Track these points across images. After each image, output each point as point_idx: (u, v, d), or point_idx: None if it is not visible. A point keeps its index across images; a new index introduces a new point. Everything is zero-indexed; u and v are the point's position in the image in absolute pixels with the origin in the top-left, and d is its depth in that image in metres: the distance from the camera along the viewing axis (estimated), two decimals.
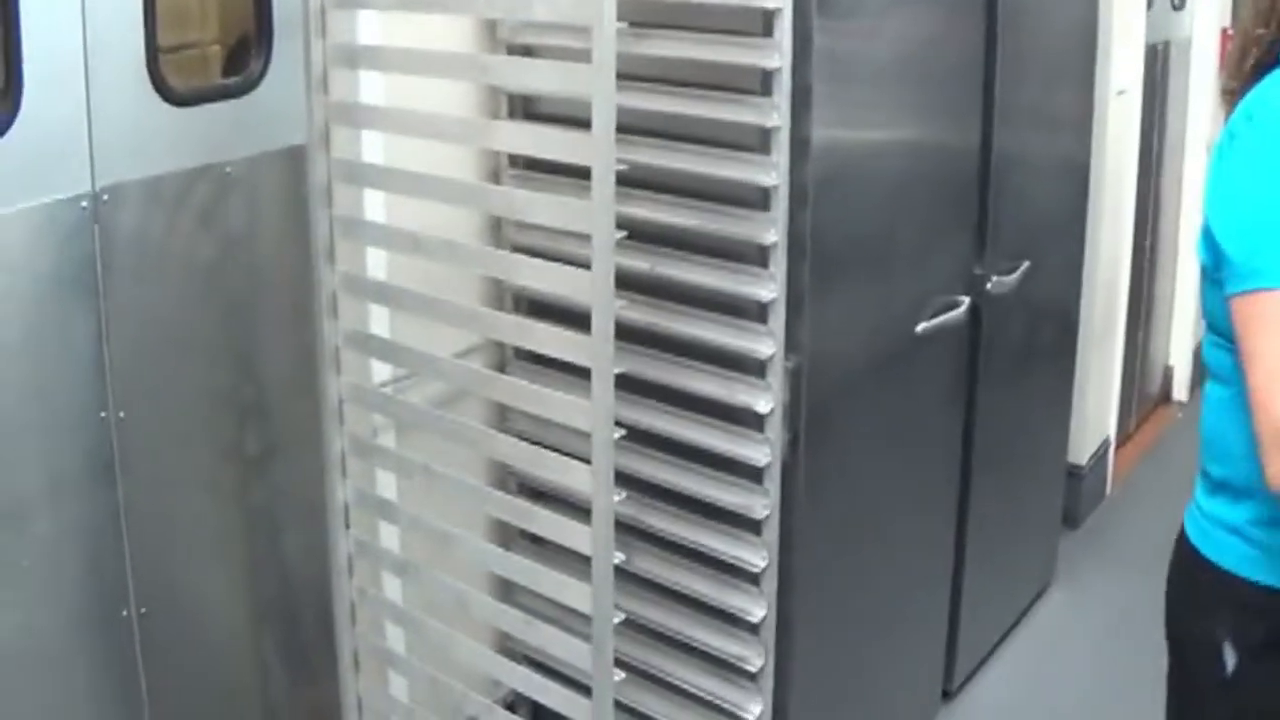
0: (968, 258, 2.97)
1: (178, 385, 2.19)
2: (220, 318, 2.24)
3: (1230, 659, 1.66)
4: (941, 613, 3.17)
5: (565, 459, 2.03)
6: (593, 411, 1.91)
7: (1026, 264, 3.14)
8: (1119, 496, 4.27)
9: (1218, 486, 1.68)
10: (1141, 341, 4.63)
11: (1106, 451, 4.25)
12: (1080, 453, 4.04)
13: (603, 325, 1.86)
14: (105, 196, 2.03)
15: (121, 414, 2.09)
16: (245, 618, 2.33)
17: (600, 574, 1.97)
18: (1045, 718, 3.26)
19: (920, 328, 2.75)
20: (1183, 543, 1.74)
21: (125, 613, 2.13)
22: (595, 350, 1.88)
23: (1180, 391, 5.00)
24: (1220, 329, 1.59)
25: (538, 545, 2.45)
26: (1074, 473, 4.00)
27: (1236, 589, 1.65)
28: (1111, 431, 4.26)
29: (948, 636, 3.21)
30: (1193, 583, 1.73)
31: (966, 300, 2.90)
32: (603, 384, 1.89)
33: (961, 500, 3.14)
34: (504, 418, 2.63)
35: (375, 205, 2.32)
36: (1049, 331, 3.55)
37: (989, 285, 3.00)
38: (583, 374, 1.92)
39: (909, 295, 2.74)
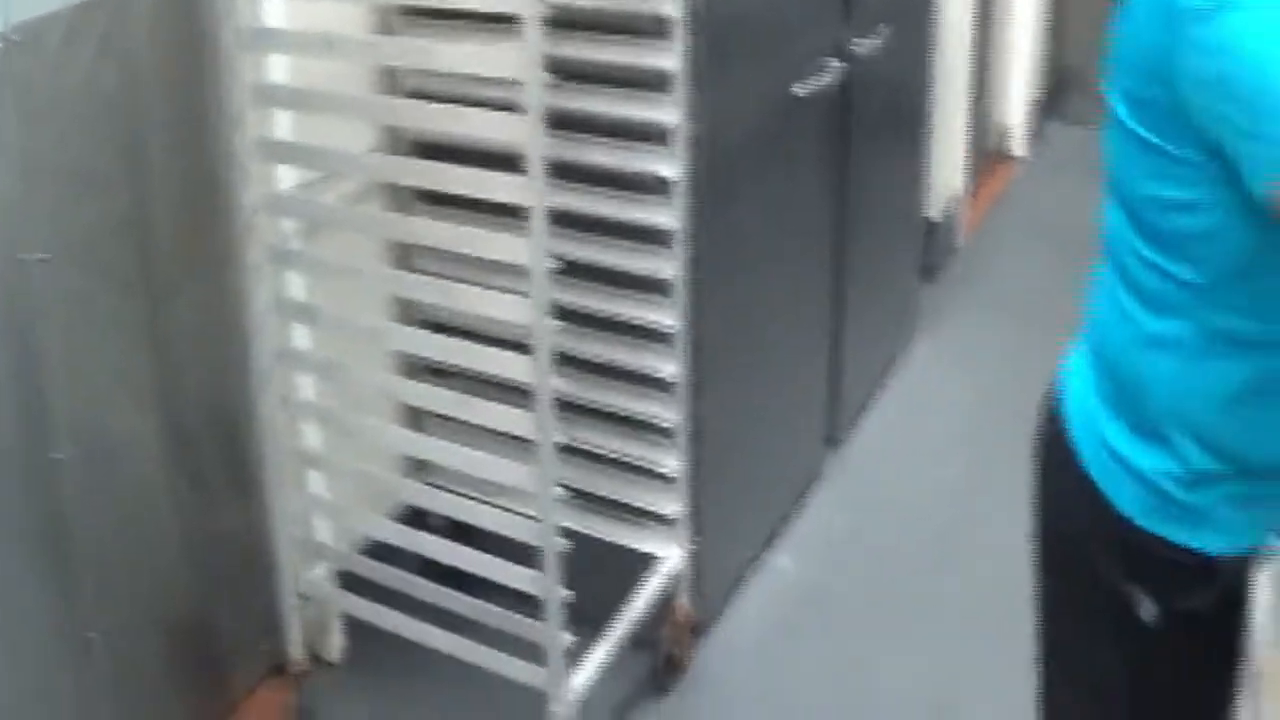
0: (836, 22, 3.07)
1: (90, 224, 2.16)
2: (118, 151, 2.20)
3: (1150, 610, 1.47)
4: (823, 366, 3.36)
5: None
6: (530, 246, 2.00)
7: (886, 27, 3.27)
8: (970, 248, 4.52)
9: (1128, 425, 1.45)
10: (983, 102, 4.83)
11: (957, 206, 4.46)
12: (934, 208, 4.25)
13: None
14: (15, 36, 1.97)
15: (40, 256, 2.06)
16: (160, 449, 2.36)
17: (542, 402, 2.09)
18: (924, 458, 3.50)
19: (798, 90, 2.86)
20: (1070, 463, 1.51)
21: (54, 455, 2.14)
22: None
23: (1019, 148, 5.27)
24: (1171, 244, 1.33)
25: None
26: (930, 227, 4.21)
27: (1150, 545, 1.45)
28: (960, 187, 4.47)
29: (829, 388, 3.41)
30: (1087, 516, 1.50)
31: (836, 62, 3.02)
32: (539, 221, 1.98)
33: (837, 259, 3.30)
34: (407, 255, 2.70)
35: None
36: (906, 91, 3.70)
37: (855, 47, 3.12)
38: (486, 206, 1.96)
39: (788, 60, 2.85)
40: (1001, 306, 4.17)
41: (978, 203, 4.72)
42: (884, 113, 3.50)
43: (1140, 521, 1.44)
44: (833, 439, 3.48)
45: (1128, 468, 1.44)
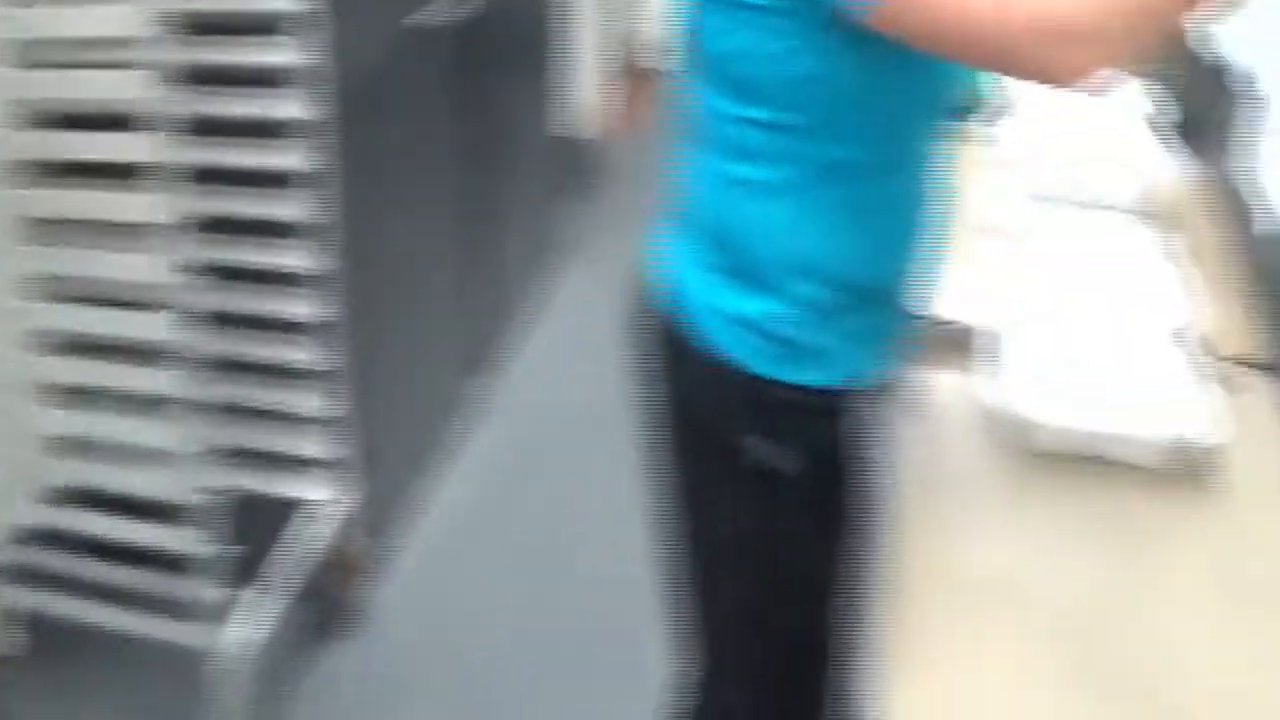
0: None
1: None
2: None
3: (789, 460, 1.53)
4: (474, 295, 3.40)
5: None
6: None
7: None
8: (616, 163, 4.62)
9: (732, 278, 1.49)
10: (620, 17, 4.90)
11: (601, 123, 4.55)
12: (577, 127, 4.32)
13: None
14: None
15: None
16: None
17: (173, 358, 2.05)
18: (581, 376, 3.58)
19: (423, 20, 2.85)
20: (680, 335, 1.55)
21: None
22: None
23: (660, 61, 5.35)
24: (772, 95, 1.39)
25: None
26: (566, 143, 4.28)
27: (766, 391, 1.50)
28: (602, 104, 4.55)
29: (483, 317, 3.46)
30: (708, 381, 1.54)
31: None
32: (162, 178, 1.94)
33: (479, 188, 3.33)
34: None
35: None
36: (539, 12, 3.73)
37: None
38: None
39: None
40: (640, 217, 4.26)
41: (622, 118, 4.82)
42: (517, 36, 3.52)
43: (769, 373, 1.49)
44: (491, 366, 3.53)
45: (747, 324, 1.48)
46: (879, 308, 1.52)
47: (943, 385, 1.68)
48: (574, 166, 4.29)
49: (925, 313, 1.63)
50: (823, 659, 1.76)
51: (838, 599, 1.69)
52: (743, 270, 1.48)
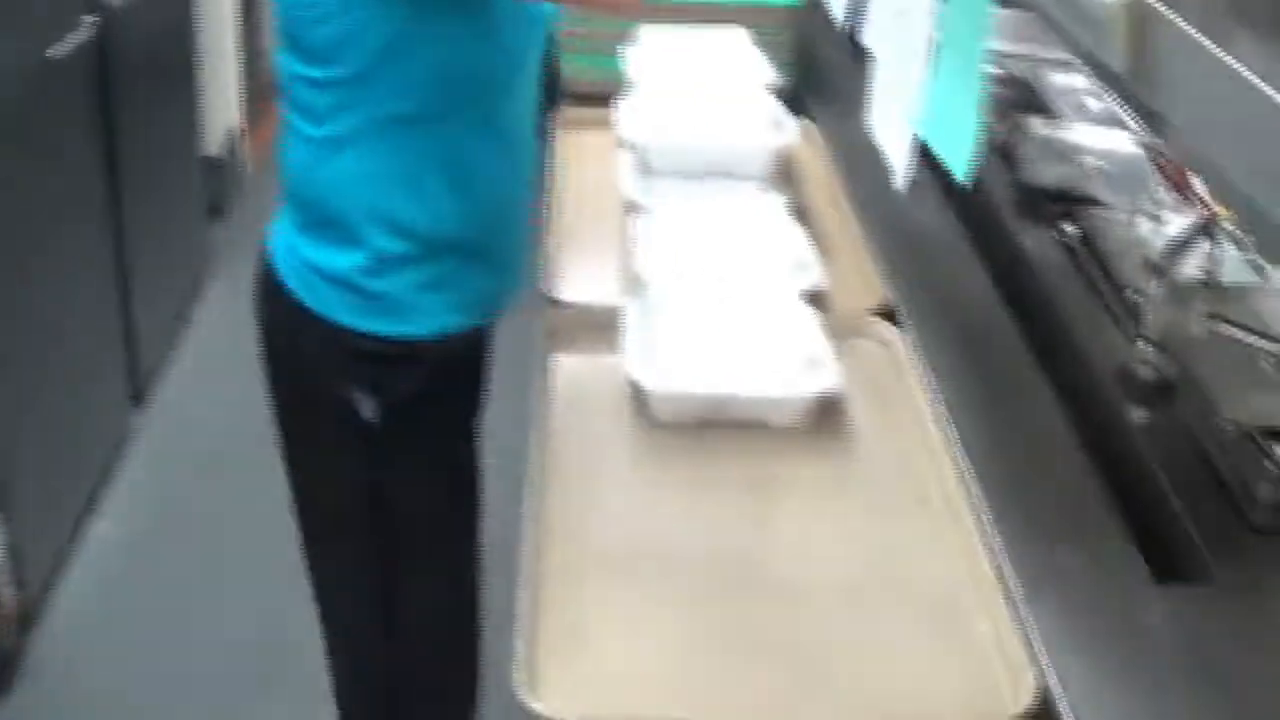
0: None
1: None
2: None
3: (368, 411, 1.59)
4: (116, 324, 3.27)
5: None
6: None
7: None
8: (256, 180, 4.52)
9: (317, 235, 1.56)
10: (255, 34, 4.82)
11: (236, 142, 4.46)
12: (214, 145, 4.22)
13: None
14: None
15: None
16: None
17: None
18: (229, 399, 3.45)
19: (50, 52, 2.76)
20: (280, 293, 1.61)
21: None
22: None
23: None
24: (323, 54, 1.46)
25: None
26: (212, 164, 4.19)
27: (354, 342, 1.57)
28: (241, 121, 4.47)
29: (126, 345, 3.33)
30: (304, 335, 1.61)
31: (91, 18, 2.94)
32: None
33: (116, 214, 3.22)
34: None
35: None
36: (172, 33, 3.65)
37: (114, 1, 3.04)
38: None
39: (32, 22, 2.72)
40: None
41: (259, 134, 4.73)
42: (150, 59, 3.43)
43: (349, 322, 1.56)
44: (137, 395, 3.41)
45: (327, 276, 1.55)
46: (458, 261, 1.57)
47: (581, 365, 1.73)
48: (216, 184, 4.19)
49: (526, 276, 1.70)
50: (458, 627, 1.83)
51: (456, 560, 1.77)
52: (321, 222, 1.54)
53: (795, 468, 1.58)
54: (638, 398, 1.64)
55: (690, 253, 1.75)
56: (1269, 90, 0.85)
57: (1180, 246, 1.59)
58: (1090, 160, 2.26)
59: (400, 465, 1.64)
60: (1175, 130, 1.02)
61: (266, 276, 1.63)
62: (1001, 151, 2.33)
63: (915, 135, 1.43)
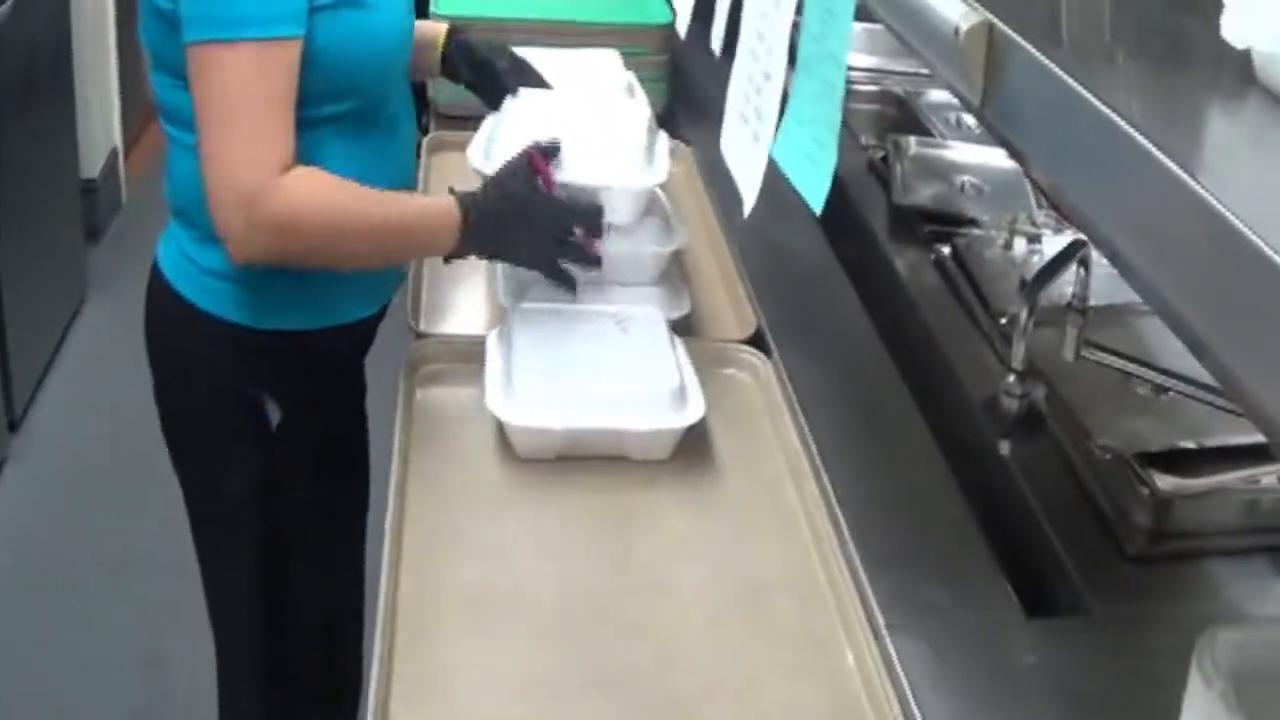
0: None
1: None
2: None
3: (274, 413, 1.65)
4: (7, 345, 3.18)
5: None
6: None
7: None
8: (135, 203, 4.41)
9: (207, 239, 1.56)
10: (132, 59, 4.70)
11: (116, 162, 4.34)
12: (92, 167, 4.11)
13: None
14: None
15: None
16: None
17: None
18: (104, 423, 3.38)
19: None
20: (174, 301, 1.64)
21: None
22: None
23: None
24: (180, 70, 1.48)
25: None
26: (89, 187, 4.07)
27: (251, 339, 1.62)
28: (119, 143, 4.35)
29: (0, 369, 3.23)
30: (199, 339, 1.65)
31: None
32: None
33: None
34: None
35: None
36: (45, 53, 3.55)
37: None
38: None
39: None
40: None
41: (138, 156, 4.61)
42: (24, 80, 3.33)
43: (249, 321, 1.61)
44: (11, 420, 3.30)
45: (222, 276, 1.59)
46: None
47: (443, 398, 1.68)
48: (92, 206, 4.08)
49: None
50: (345, 620, 1.87)
51: (345, 550, 1.82)
52: (208, 225, 1.53)
53: (659, 501, 1.54)
54: (499, 431, 1.59)
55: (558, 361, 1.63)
56: (1132, 131, 0.81)
57: (1049, 272, 1.57)
58: (966, 179, 2.25)
59: (296, 458, 1.68)
60: (1034, 167, 0.97)
61: (159, 287, 1.66)
62: (875, 171, 2.31)
63: (765, 161, 1.40)
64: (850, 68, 1.29)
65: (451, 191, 1.60)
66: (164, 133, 1.61)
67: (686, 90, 2.57)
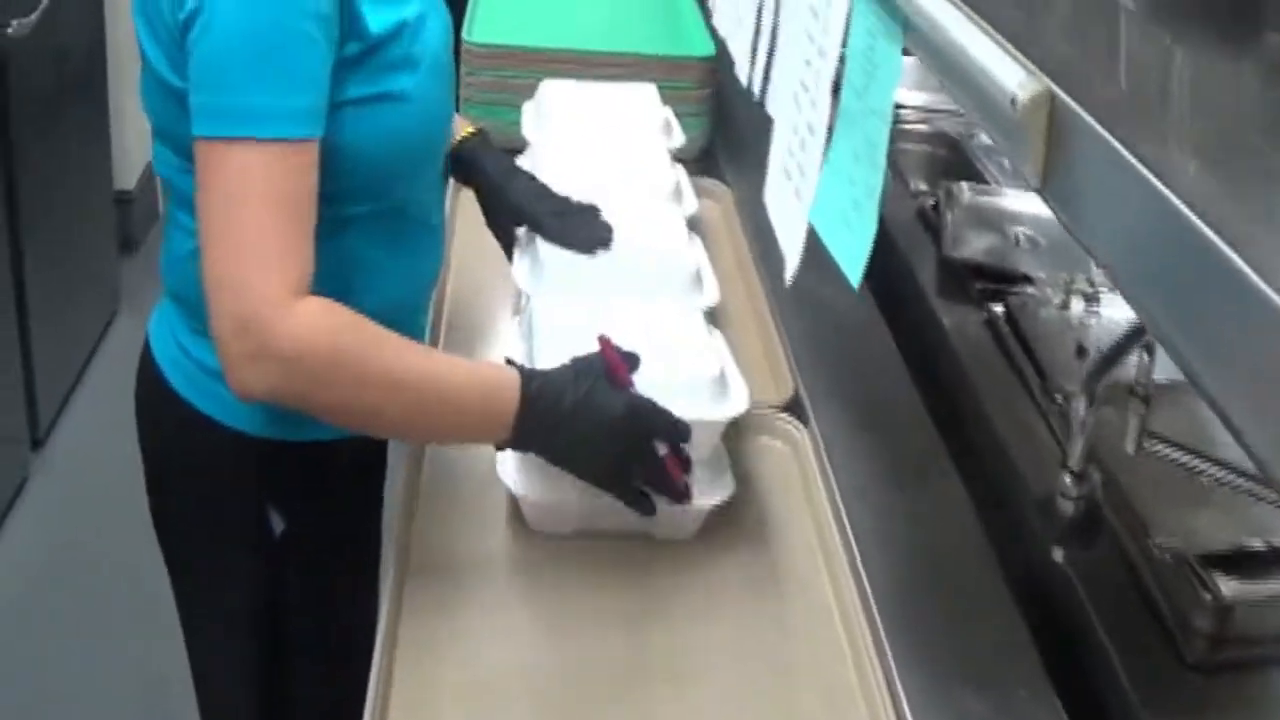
0: None
1: None
2: None
3: (278, 523, 1.52)
4: (13, 364, 3.12)
5: None
6: None
7: (46, 1, 3.05)
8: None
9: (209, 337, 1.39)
10: None
11: (153, 174, 4.29)
12: (127, 179, 4.05)
13: None
14: None
15: None
16: None
17: None
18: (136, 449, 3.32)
19: None
20: (168, 393, 1.51)
21: None
22: None
23: None
24: (182, 147, 1.33)
25: None
26: (124, 198, 4.02)
27: (260, 449, 1.49)
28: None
29: (25, 385, 3.17)
30: (197, 442, 1.51)
31: None
32: None
33: (15, 250, 3.06)
34: None
35: None
36: (80, 63, 3.49)
37: (10, 29, 2.89)
38: None
39: None
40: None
41: None
42: (52, 85, 3.27)
43: (253, 431, 1.47)
44: (35, 438, 3.25)
45: (222, 379, 1.38)
46: None
47: (466, 457, 1.58)
48: (128, 217, 4.03)
49: None
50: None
51: (349, 651, 1.63)
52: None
53: (681, 585, 1.43)
54: (512, 503, 1.49)
55: (577, 349, 1.47)
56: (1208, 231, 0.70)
57: (1109, 360, 1.44)
58: (1021, 230, 2.14)
59: (304, 571, 1.56)
60: (1099, 260, 0.85)
61: (151, 375, 1.52)
62: (925, 220, 2.20)
63: (807, 226, 1.30)
64: (899, 105, 1.20)
65: (510, 362, 1.40)
66: (169, 215, 1.47)
67: (727, 124, 2.47)
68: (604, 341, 1.38)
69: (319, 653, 1.65)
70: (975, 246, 2.05)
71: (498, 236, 1.75)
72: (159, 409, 1.54)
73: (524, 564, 1.45)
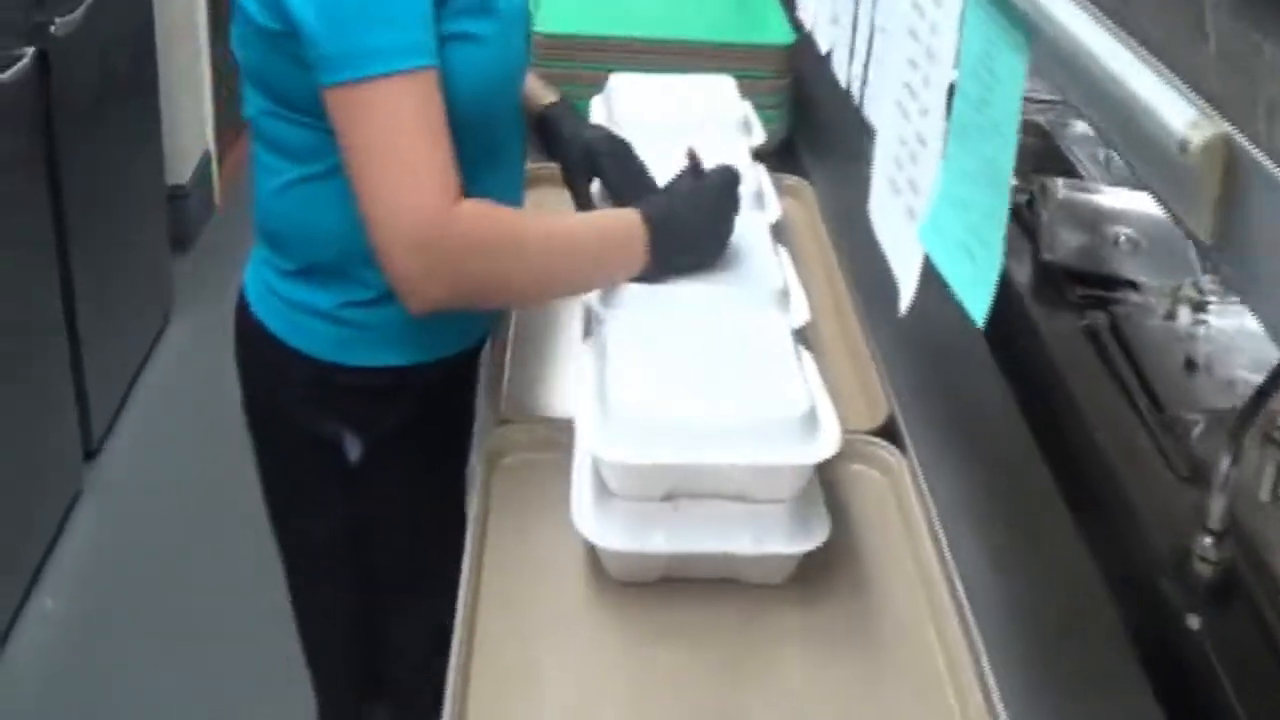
0: (26, 6, 2.75)
1: None
2: None
3: (354, 449, 1.59)
4: (64, 372, 3.04)
5: None
6: None
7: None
8: (228, 213, 4.27)
9: (299, 274, 1.55)
10: (228, 51, 4.57)
11: (209, 168, 4.21)
12: (181, 173, 3.97)
13: None
14: None
15: None
16: None
17: None
18: (191, 449, 3.24)
19: None
20: (261, 336, 1.59)
21: None
22: None
23: None
24: (294, 102, 1.43)
25: None
26: (177, 194, 3.94)
27: (342, 377, 1.56)
28: (211, 147, 4.21)
29: (77, 394, 3.10)
30: (287, 378, 1.60)
31: (31, 50, 2.71)
32: None
33: (64, 251, 2.99)
34: None
35: None
36: (127, 58, 3.41)
37: (53, 29, 2.81)
38: None
39: None
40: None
41: (232, 160, 4.48)
42: (103, 85, 3.20)
43: (336, 359, 1.55)
44: (87, 449, 3.17)
45: (313, 312, 1.54)
46: None
47: (540, 497, 1.47)
48: (181, 214, 3.94)
49: None
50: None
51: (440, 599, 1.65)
52: (303, 261, 1.53)
53: (772, 638, 1.31)
54: (589, 552, 1.38)
55: (656, 377, 1.35)
56: None
57: (1253, 409, 1.29)
58: (1121, 230, 2.00)
59: (383, 500, 1.63)
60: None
61: (244, 317, 1.62)
62: (1020, 218, 2.06)
63: (923, 252, 1.18)
64: None
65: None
66: (253, 155, 1.54)
67: (808, 114, 2.34)
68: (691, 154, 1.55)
69: (404, 588, 1.71)
70: (1073, 247, 1.92)
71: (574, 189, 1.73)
72: (252, 348, 1.63)
73: (603, 612, 1.34)
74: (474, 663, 1.27)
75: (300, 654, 1.82)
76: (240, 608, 2.71)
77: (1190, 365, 1.70)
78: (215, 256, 4.01)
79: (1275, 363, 1.79)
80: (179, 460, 3.23)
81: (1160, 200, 0.78)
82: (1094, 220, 2.00)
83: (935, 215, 1.16)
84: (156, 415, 3.41)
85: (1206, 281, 1.86)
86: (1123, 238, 1.98)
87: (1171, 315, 1.79)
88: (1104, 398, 1.61)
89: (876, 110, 1.35)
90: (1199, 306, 1.81)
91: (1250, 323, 1.80)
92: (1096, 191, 2.08)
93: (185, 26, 3.95)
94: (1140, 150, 0.79)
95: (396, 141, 1.33)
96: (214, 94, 4.15)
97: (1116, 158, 2.23)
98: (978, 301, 1.05)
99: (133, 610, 2.81)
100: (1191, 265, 1.94)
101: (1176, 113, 0.70)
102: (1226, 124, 0.68)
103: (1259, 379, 1.70)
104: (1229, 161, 0.70)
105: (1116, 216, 2.03)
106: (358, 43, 1.32)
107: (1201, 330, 1.77)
